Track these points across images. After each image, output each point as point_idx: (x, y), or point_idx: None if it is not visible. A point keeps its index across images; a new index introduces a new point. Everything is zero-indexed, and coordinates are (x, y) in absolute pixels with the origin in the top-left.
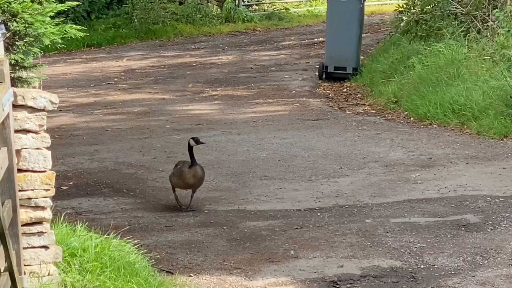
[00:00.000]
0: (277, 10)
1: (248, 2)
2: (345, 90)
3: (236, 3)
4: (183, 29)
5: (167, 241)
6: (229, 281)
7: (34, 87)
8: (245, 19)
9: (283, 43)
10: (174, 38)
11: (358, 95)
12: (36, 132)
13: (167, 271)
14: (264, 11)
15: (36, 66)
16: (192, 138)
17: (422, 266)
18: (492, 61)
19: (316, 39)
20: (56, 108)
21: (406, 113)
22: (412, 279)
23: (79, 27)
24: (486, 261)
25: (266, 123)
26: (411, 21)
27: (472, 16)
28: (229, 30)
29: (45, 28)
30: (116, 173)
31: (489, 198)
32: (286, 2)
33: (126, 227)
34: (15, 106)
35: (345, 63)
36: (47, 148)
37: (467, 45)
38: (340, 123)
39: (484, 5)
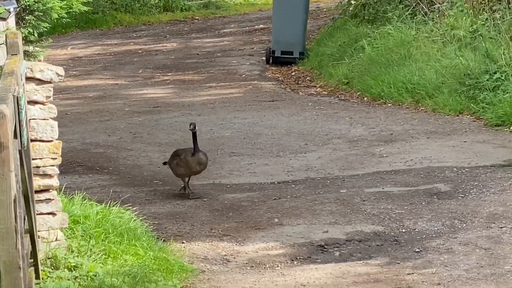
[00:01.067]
0: None
1: None
2: (293, 73)
3: None
4: (123, 18)
5: (151, 213)
6: (221, 246)
7: (39, 61)
8: (183, 8)
9: (224, 30)
10: (114, 27)
11: (307, 78)
12: (43, 103)
13: (161, 239)
14: (201, 0)
15: (42, 41)
16: (191, 124)
17: (403, 230)
18: (443, 42)
19: (256, 26)
20: (62, 80)
21: (359, 93)
22: (395, 242)
23: (83, 0)
24: (465, 225)
25: (224, 105)
26: (358, 5)
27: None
28: (168, 19)
29: (53, 3)
30: (86, 152)
31: (455, 169)
32: None
33: (108, 201)
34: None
35: (291, 47)
36: (54, 118)
37: (415, 27)
38: (296, 103)
39: None
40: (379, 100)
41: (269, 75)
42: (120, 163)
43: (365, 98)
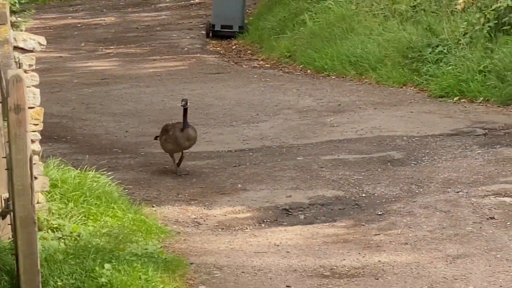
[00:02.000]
0: None
1: None
2: (234, 47)
3: None
4: None
5: (115, 179)
6: (191, 210)
7: (21, 31)
8: None
9: (160, 5)
10: (50, 2)
11: (249, 51)
12: (26, 72)
13: (134, 203)
14: None
15: (25, 11)
16: (182, 100)
17: (363, 195)
18: (384, 16)
19: (192, 1)
20: (43, 49)
21: (302, 66)
22: (357, 206)
23: None
24: (422, 189)
25: (171, 77)
26: None
27: None
28: None
29: None
30: None
31: (405, 137)
32: None
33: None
34: None
35: (231, 21)
36: (36, 86)
37: (355, 1)
38: (242, 75)
39: None
40: (323, 72)
41: (211, 49)
42: (77, 133)
43: (309, 71)
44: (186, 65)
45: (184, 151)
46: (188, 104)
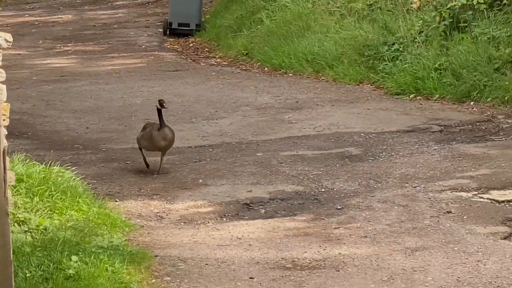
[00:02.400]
0: None
1: None
2: (191, 45)
3: None
4: None
5: (79, 175)
6: (153, 204)
7: None
8: None
9: (117, 3)
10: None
11: (206, 49)
12: None
13: (98, 197)
14: None
15: None
16: (159, 101)
17: (322, 190)
18: (340, 14)
19: None
20: (10, 46)
21: (259, 63)
22: (316, 201)
23: None
24: (380, 184)
25: (129, 74)
26: None
27: None
28: None
29: None
30: None
31: (362, 134)
32: None
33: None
34: None
35: (188, 19)
36: (3, 82)
37: (312, 0)
38: (200, 73)
39: None
40: (280, 70)
41: (168, 46)
42: (38, 129)
43: (266, 68)
44: (144, 62)
45: (163, 156)
46: (166, 105)
